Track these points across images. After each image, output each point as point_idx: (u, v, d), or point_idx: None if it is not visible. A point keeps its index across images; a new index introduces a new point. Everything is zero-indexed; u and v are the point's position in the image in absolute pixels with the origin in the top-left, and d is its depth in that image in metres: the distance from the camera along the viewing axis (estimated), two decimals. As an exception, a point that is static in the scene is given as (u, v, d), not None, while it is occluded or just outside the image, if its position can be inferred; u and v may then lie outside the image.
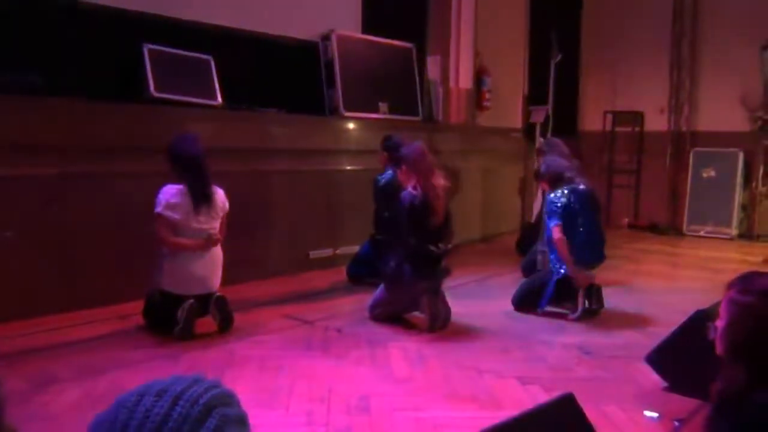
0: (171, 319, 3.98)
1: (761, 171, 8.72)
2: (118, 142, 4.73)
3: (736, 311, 1.67)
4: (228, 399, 0.87)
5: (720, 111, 9.02)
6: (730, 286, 1.74)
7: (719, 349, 1.73)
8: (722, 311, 1.73)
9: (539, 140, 7.67)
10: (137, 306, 4.29)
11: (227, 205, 4.23)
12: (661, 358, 3.39)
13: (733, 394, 1.60)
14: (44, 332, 4.05)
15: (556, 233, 4.60)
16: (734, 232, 8.78)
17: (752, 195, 8.81)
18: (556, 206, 4.66)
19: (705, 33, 9.20)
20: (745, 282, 1.70)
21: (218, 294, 4.16)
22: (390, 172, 5.34)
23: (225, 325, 4.16)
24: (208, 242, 4.08)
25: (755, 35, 8.46)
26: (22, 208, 4.31)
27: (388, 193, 5.23)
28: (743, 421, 1.54)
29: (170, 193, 3.99)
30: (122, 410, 0.83)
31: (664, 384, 3.38)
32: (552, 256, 4.78)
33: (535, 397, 3.22)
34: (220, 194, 4.19)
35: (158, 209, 3.95)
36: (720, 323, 1.74)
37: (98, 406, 0.88)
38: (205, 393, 0.85)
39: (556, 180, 4.85)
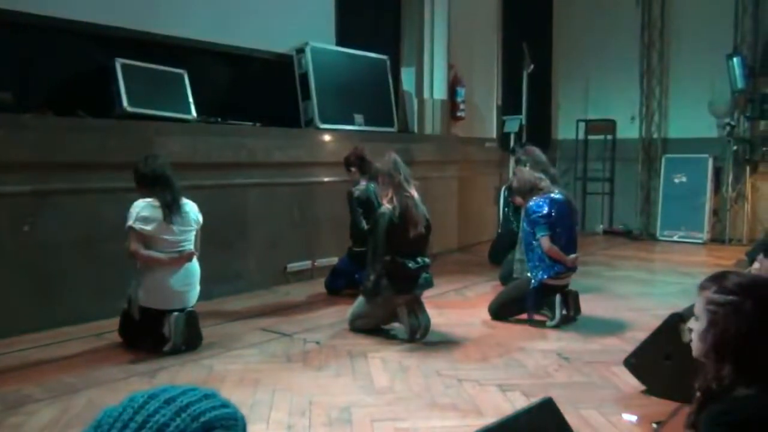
0: (150, 336, 3.94)
1: (731, 176, 8.90)
2: (91, 158, 4.68)
3: (718, 311, 1.66)
4: (232, 422, 0.87)
5: (689, 118, 9.21)
6: (704, 286, 1.73)
7: (699, 350, 1.72)
8: (699, 313, 1.72)
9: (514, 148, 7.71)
10: (112, 323, 4.24)
11: (201, 218, 4.20)
12: (639, 362, 3.43)
13: (719, 392, 1.61)
14: (17, 352, 3.98)
15: (546, 244, 4.64)
16: (706, 236, 8.93)
17: (723, 200, 8.99)
18: (539, 216, 4.70)
19: (673, 42, 9.40)
20: (719, 281, 1.70)
21: (190, 309, 4.11)
22: (364, 182, 5.36)
23: (193, 343, 4.09)
24: (182, 257, 4.05)
25: (722, 44, 8.67)
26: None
27: (364, 204, 5.25)
28: (728, 419, 1.54)
29: (141, 206, 3.96)
30: (129, 408, 0.84)
31: (642, 387, 3.41)
32: (530, 264, 4.82)
33: (516, 403, 3.23)
34: (192, 207, 4.16)
35: (130, 222, 3.92)
36: (697, 325, 1.72)
37: (73, 427, 0.88)
38: (209, 411, 0.84)
39: (528, 192, 4.90)
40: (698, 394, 1.72)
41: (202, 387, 0.89)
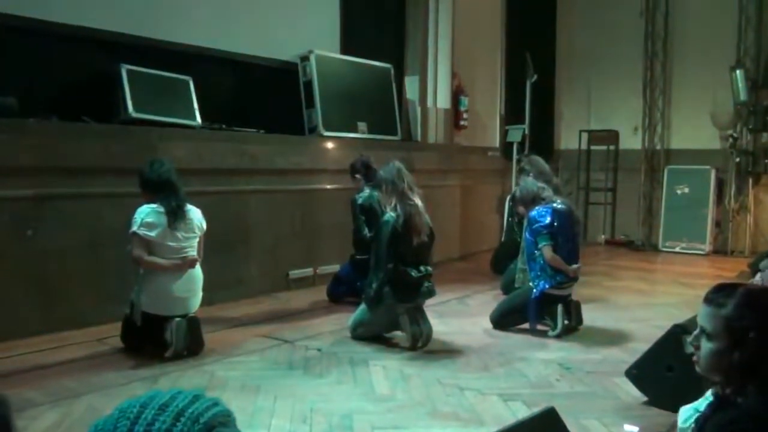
0: (152, 342, 3.95)
1: (733, 187, 8.90)
2: (95, 163, 4.70)
3: (749, 334, 1.58)
4: (226, 418, 0.87)
5: (692, 129, 9.23)
6: (718, 303, 1.66)
7: (714, 369, 1.66)
8: (717, 332, 1.64)
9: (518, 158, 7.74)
10: (114, 328, 4.25)
11: (204, 224, 4.21)
12: (641, 373, 3.43)
13: (731, 400, 1.59)
14: (19, 356, 3.98)
15: (548, 253, 4.64)
16: (708, 247, 8.92)
17: (725, 211, 8.99)
18: (541, 226, 4.70)
19: (676, 54, 9.42)
20: (740, 297, 1.63)
21: (191, 315, 4.11)
22: (367, 190, 5.37)
23: (195, 348, 4.09)
24: (185, 263, 4.05)
25: (725, 56, 8.69)
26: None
27: (367, 212, 5.26)
28: (734, 429, 1.53)
29: (146, 212, 3.97)
30: (123, 420, 0.84)
31: (644, 398, 3.40)
32: (532, 274, 4.82)
33: (518, 413, 3.22)
34: (197, 213, 4.17)
35: (134, 228, 3.93)
36: (711, 345, 1.65)
37: (75, 431, 0.88)
38: (206, 411, 0.85)
39: (531, 202, 4.91)
40: (711, 399, 1.70)
41: (186, 389, 0.90)
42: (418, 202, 4.38)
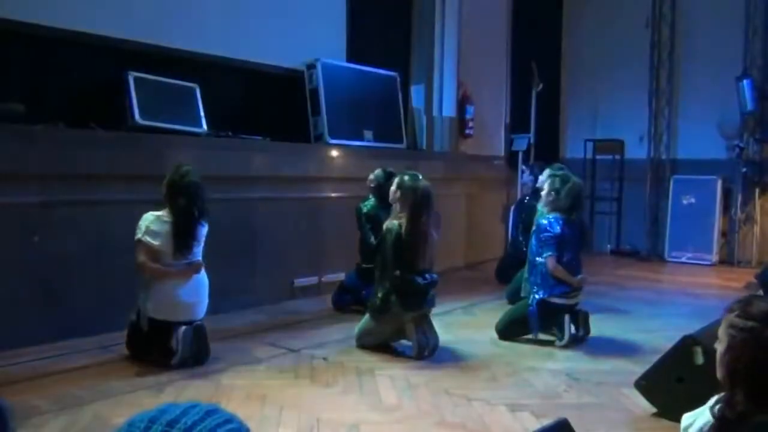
0: (157, 349, 3.93)
1: (739, 198, 8.86)
2: (102, 170, 4.69)
3: (737, 336, 1.66)
4: None
5: (698, 139, 9.19)
6: (730, 309, 1.73)
7: (718, 373, 1.73)
8: (721, 335, 1.73)
9: (522, 167, 7.72)
10: (120, 336, 4.22)
11: (206, 228, 4.19)
12: (650, 384, 3.39)
13: (733, 417, 1.60)
14: (24, 363, 3.96)
15: (551, 264, 4.61)
16: (715, 258, 8.88)
17: (731, 221, 8.95)
18: (551, 236, 4.67)
19: (683, 63, 9.41)
20: (745, 306, 1.70)
21: (198, 323, 4.09)
22: (373, 199, 5.35)
23: (201, 357, 4.07)
24: (190, 268, 4.04)
25: (731, 66, 8.67)
26: (3, 237, 4.24)
27: (373, 219, 5.23)
28: None
29: (150, 219, 3.97)
30: None
31: (653, 410, 3.37)
32: (531, 279, 4.80)
33: (525, 423, 3.19)
34: (202, 230, 4.14)
35: (138, 235, 3.93)
36: (719, 347, 1.73)
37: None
38: (216, 429, 0.83)
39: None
40: (714, 419, 1.70)
41: (203, 402, 0.88)
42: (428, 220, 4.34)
